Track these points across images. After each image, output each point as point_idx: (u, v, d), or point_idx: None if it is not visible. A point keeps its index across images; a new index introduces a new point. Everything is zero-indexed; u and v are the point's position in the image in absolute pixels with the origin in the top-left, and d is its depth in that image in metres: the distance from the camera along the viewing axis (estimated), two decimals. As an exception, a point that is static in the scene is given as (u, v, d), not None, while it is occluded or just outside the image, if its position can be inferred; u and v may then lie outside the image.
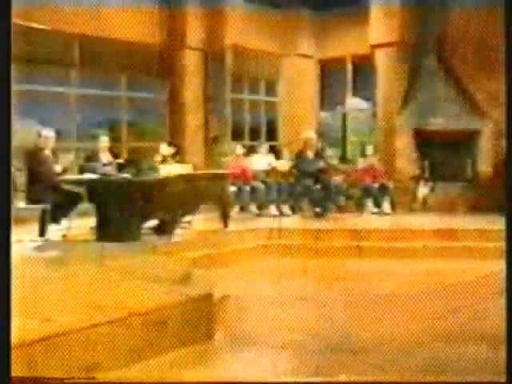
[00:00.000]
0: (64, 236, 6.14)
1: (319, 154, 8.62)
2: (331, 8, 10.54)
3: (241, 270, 6.05)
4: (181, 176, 6.35)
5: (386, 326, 3.99)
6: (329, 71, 11.25)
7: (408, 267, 6.17)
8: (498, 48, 7.64)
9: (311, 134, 8.76)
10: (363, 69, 10.62)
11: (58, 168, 6.28)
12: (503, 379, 2.56)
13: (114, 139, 8.46)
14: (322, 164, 8.45)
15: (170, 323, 3.25)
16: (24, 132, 8.42)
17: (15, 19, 6.50)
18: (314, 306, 4.59)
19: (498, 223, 6.35)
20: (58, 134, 6.79)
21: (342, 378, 3.01)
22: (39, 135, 6.40)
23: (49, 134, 6.43)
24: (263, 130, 10.95)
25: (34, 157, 6.30)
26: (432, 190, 9.14)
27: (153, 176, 6.18)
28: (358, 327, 4.01)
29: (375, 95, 10.25)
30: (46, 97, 8.69)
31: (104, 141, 7.19)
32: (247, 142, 10.33)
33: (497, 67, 8.16)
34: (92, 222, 6.06)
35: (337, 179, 8.78)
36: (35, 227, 6.06)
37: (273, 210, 8.31)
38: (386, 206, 8.62)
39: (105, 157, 6.96)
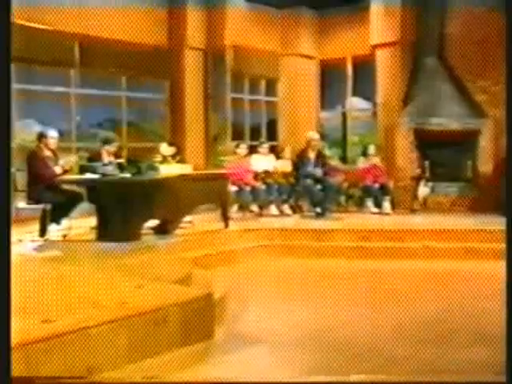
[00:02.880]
0: (64, 236, 6.14)
1: (321, 155, 8.61)
2: (331, 8, 10.54)
3: (241, 269, 6.05)
4: (181, 176, 6.34)
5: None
6: (329, 71, 11.25)
7: (408, 267, 6.18)
8: (498, 47, 7.62)
9: (314, 135, 8.75)
10: (363, 69, 10.61)
11: (58, 169, 6.25)
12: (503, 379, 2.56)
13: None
14: (322, 165, 8.44)
15: (170, 323, 3.25)
16: (26, 132, 8.43)
17: (15, 19, 6.52)
18: (315, 305, 4.59)
19: (498, 223, 6.35)
20: (59, 134, 6.76)
21: (343, 378, 3.01)
22: (42, 135, 6.38)
23: (52, 134, 6.41)
24: (263, 129, 10.95)
25: (34, 157, 6.28)
26: (432, 190, 9.13)
27: (153, 176, 6.18)
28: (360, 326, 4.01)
29: (375, 95, 10.25)
30: (46, 97, 8.69)
31: (113, 146, 7.06)
32: (247, 141, 10.30)
33: (497, 67, 8.15)
34: (92, 221, 6.06)
35: (337, 179, 8.77)
36: (35, 227, 6.06)
37: (273, 209, 8.31)
38: (387, 206, 8.61)
39: (107, 158, 6.95)
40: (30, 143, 7.38)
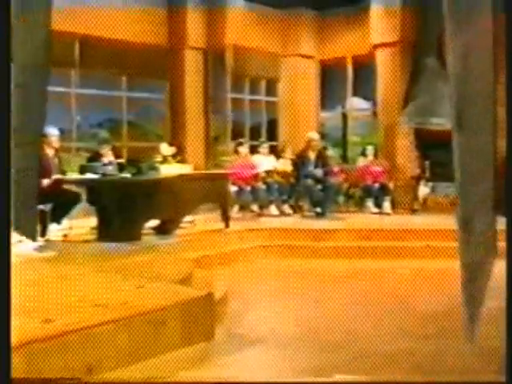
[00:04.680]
0: (65, 236, 6.13)
1: (321, 155, 8.61)
2: (331, 8, 10.54)
3: (242, 270, 6.05)
4: (181, 176, 6.35)
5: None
6: (329, 71, 11.25)
7: (408, 267, 6.18)
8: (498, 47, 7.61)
9: (314, 136, 8.75)
10: (363, 69, 10.61)
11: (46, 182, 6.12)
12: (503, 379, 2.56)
13: (114, 139, 8.44)
14: (323, 165, 8.45)
15: (170, 323, 3.25)
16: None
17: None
18: (315, 305, 4.59)
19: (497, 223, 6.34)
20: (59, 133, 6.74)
21: (342, 378, 3.01)
22: (42, 135, 6.34)
23: (53, 132, 6.37)
24: (264, 129, 10.95)
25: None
26: (432, 189, 9.13)
27: (153, 176, 6.18)
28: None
29: (375, 95, 10.25)
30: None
31: (105, 148, 7.10)
32: (248, 141, 10.30)
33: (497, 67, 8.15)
34: (93, 221, 6.06)
35: (337, 179, 8.78)
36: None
37: (273, 209, 8.31)
38: (387, 206, 8.62)
39: (107, 157, 6.95)
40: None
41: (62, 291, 3.66)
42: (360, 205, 8.98)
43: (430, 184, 9.13)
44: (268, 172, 8.67)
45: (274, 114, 11.13)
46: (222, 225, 6.94)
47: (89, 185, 6.10)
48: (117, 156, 7.23)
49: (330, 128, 11.54)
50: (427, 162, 9.28)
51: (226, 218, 6.96)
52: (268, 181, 8.46)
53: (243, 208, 8.18)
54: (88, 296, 3.53)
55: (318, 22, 10.99)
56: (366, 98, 10.94)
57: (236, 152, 8.68)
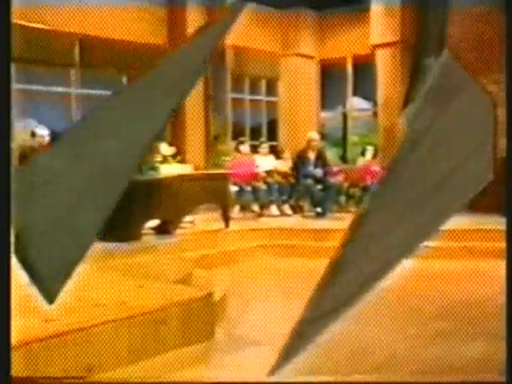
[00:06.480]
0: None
1: (321, 156, 8.61)
2: (331, 8, 10.55)
3: (242, 269, 6.05)
4: (181, 176, 6.34)
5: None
6: (329, 71, 11.26)
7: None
8: (497, 47, 7.61)
9: (314, 136, 8.75)
10: (364, 69, 10.62)
11: None
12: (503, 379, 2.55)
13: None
14: (323, 165, 8.44)
15: (170, 323, 3.25)
16: (28, 133, 8.41)
17: (15, 19, 6.51)
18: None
19: (497, 223, 6.34)
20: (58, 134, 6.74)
21: (342, 378, 3.00)
22: (33, 135, 6.35)
23: (42, 132, 6.36)
24: (264, 129, 10.95)
25: (27, 158, 6.25)
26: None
27: (153, 176, 6.18)
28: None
29: (376, 95, 10.25)
30: (46, 97, 8.68)
31: None
32: (248, 141, 10.30)
33: (496, 66, 8.15)
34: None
35: (337, 179, 8.78)
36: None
37: (274, 210, 8.31)
38: (387, 206, 8.60)
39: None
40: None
41: (62, 291, 3.65)
42: (360, 205, 8.95)
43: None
44: (268, 172, 8.67)
45: (274, 114, 11.13)
46: (222, 225, 6.93)
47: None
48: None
49: (330, 128, 11.54)
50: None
51: (226, 218, 6.96)
52: (268, 181, 8.45)
53: (244, 208, 8.18)
54: (88, 296, 3.52)
55: (317, 22, 11.00)
56: (366, 98, 10.95)
57: (237, 150, 8.68)
